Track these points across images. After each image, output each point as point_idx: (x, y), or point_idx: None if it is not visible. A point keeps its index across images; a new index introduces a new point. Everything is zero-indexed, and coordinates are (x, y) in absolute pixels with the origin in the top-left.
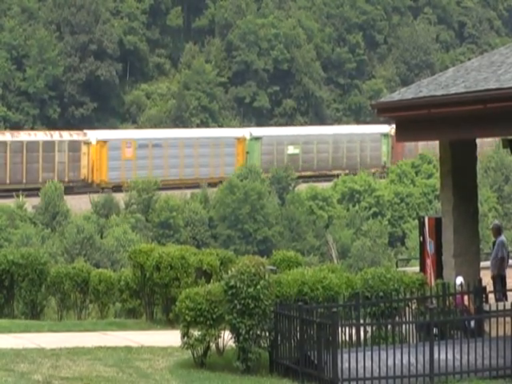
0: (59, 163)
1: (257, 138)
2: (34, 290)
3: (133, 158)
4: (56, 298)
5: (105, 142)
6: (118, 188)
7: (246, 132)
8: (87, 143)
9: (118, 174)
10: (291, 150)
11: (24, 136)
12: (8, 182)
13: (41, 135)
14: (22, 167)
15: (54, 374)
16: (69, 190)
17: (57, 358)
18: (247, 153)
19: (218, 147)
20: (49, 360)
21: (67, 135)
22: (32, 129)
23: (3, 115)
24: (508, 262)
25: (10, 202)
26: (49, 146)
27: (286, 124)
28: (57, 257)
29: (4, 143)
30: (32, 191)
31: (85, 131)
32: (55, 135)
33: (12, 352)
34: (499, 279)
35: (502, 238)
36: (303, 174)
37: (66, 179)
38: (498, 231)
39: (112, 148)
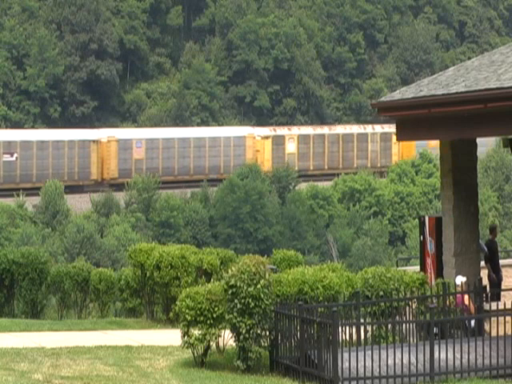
0: (372, 152)
1: None
2: (34, 289)
3: None
4: (56, 297)
5: None
6: None
7: None
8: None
9: None
10: None
11: (340, 129)
12: (326, 167)
13: (355, 128)
14: (338, 155)
15: (54, 373)
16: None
17: (57, 357)
18: None
19: None
20: (49, 359)
21: (379, 128)
22: (32, 128)
23: (3, 114)
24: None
25: (10, 202)
26: (362, 137)
27: (287, 123)
28: (57, 256)
29: (322, 136)
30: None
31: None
32: (368, 128)
33: (12, 351)
34: None
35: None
36: None
37: (378, 165)
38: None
39: None
